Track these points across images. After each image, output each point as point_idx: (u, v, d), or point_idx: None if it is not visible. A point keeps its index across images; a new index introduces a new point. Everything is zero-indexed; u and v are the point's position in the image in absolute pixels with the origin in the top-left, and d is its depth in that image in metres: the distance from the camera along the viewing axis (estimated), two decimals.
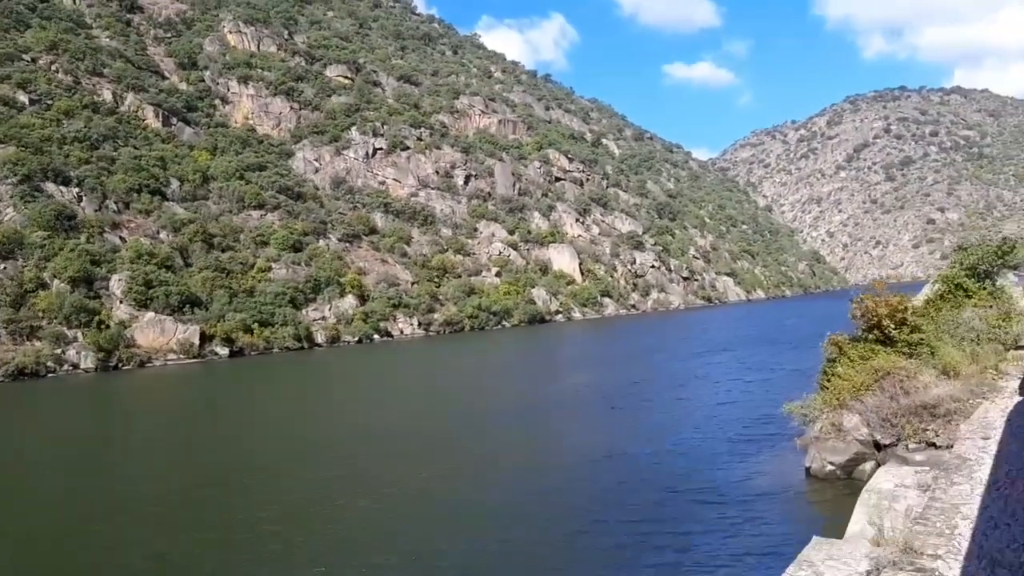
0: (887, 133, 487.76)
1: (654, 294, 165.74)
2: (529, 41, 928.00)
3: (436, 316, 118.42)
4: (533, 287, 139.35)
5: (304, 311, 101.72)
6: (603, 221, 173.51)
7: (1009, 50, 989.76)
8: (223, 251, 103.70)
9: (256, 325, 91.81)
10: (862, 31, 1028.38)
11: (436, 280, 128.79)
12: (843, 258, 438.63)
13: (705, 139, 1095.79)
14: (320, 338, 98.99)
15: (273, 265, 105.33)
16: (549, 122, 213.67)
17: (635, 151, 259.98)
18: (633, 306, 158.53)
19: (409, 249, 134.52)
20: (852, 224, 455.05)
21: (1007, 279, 33.74)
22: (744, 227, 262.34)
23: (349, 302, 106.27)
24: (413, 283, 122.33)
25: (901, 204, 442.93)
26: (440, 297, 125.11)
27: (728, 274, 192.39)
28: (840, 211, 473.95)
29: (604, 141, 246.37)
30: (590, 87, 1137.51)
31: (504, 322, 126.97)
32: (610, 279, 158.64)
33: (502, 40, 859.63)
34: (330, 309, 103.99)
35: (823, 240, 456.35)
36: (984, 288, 30.31)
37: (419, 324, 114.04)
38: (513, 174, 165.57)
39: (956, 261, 35.95)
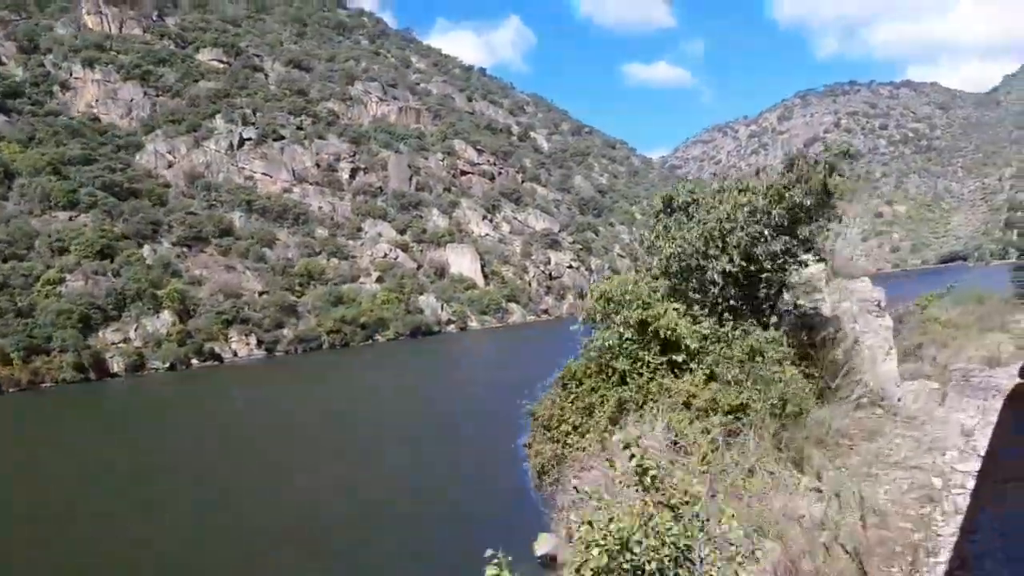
0: (837, 127, 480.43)
1: (571, 297, 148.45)
2: (487, 43, 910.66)
3: (285, 332, 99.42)
4: (421, 294, 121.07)
5: (101, 333, 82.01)
6: (515, 218, 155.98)
7: (962, 46, 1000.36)
8: (4, 260, 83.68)
9: (18, 353, 72.00)
10: (816, 30, 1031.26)
11: (298, 289, 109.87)
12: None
13: (666, 139, 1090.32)
14: (117, 366, 79.45)
15: (67, 276, 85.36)
16: (472, 113, 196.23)
17: (569, 145, 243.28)
18: (546, 311, 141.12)
19: (271, 253, 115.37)
20: None
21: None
22: None
23: (165, 320, 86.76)
24: (262, 293, 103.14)
25: (850, 198, 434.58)
26: (300, 309, 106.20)
27: None
28: None
29: (532, 135, 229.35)
30: (549, 89, 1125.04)
31: (378, 335, 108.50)
32: (519, 282, 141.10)
33: (459, 43, 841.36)
34: (136, 329, 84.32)
35: None
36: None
37: (260, 343, 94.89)
38: (410, 167, 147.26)
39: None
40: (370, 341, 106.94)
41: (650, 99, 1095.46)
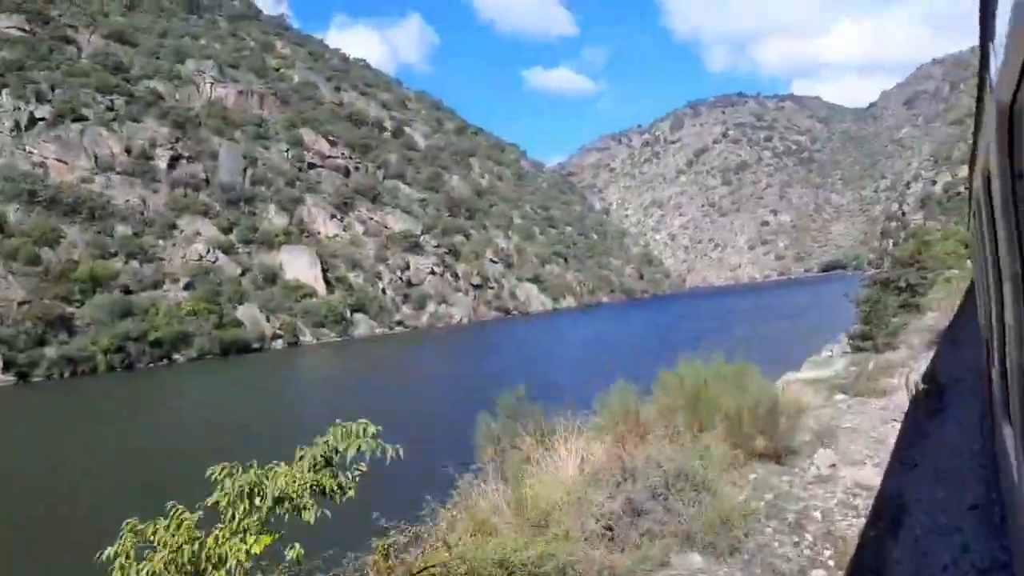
0: (725, 138, 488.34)
1: (431, 306, 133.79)
2: (389, 42, 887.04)
3: (48, 353, 79.80)
4: (241, 303, 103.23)
5: None
6: (371, 218, 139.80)
7: (841, 63, 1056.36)
8: None
9: None
10: (708, 44, 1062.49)
11: (78, 298, 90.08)
12: (684, 260, 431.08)
13: (566, 146, 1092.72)
14: None
15: None
16: (339, 104, 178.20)
17: (450, 144, 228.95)
18: (400, 323, 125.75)
19: (52, 255, 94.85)
20: (692, 227, 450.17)
21: None
22: (568, 228, 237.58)
23: None
24: (23, 303, 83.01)
25: (737, 207, 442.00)
26: (78, 322, 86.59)
27: (532, 280, 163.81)
28: (681, 214, 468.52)
29: (408, 130, 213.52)
30: (451, 93, 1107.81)
31: (177, 355, 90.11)
32: (370, 289, 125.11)
33: (361, 42, 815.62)
34: None
35: (666, 243, 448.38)
36: None
37: (7, 367, 75.07)
38: (246, 157, 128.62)
39: None
40: (165, 361, 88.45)
41: (550, 105, 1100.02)
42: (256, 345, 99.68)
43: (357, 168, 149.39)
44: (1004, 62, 2.21)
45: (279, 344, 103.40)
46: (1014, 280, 2.72)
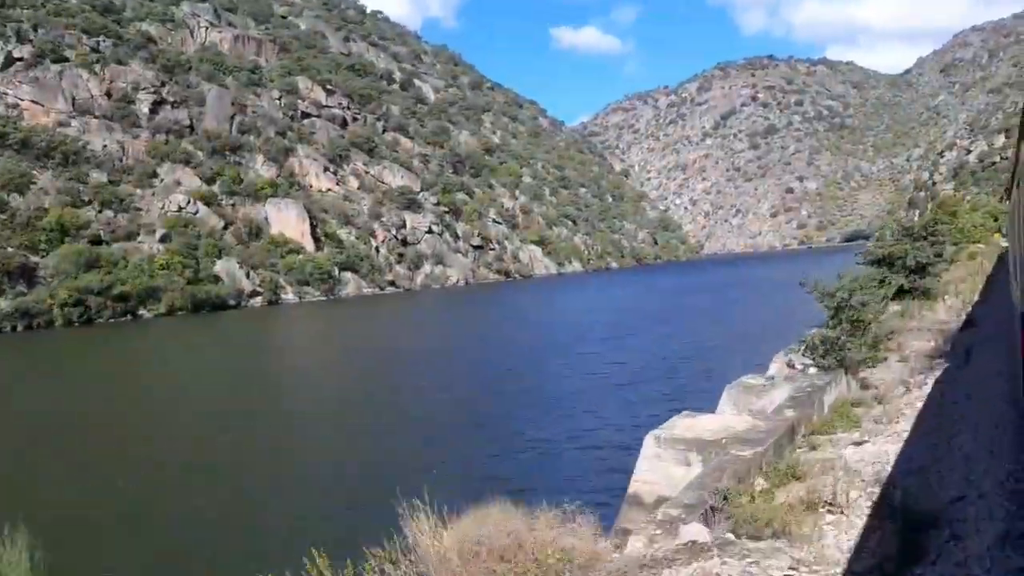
0: (754, 101, 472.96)
1: (427, 267, 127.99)
2: None
3: (1, 305, 75.30)
4: (220, 258, 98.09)
5: None
6: (367, 172, 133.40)
7: (878, 29, 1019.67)
8: None
9: None
10: (740, 5, 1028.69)
11: (44, 248, 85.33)
12: (704, 227, 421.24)
13: (591, 107, 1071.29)
14: None
15: None
16: (347, 55, 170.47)
17: (463, 99, 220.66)
18: (392, 283, 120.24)
19: (21, 201, 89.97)
20: (715, 192, 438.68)
21: None
22: (582, 190, 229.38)
23: None
24: None
25: (763, 172, 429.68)
26: (41, 273, 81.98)
27: (537, 242, 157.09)
28: (704, 179, 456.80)
29: (417, 83, 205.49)
30: (479, 51, 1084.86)
31: (144, 310, 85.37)
32: (362, 247, 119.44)
33: None
34: None
35: (686, 208, 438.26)
36: None
37: None
38: (235, 104, 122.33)
39: None
40: (129, 317, 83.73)
41: (579, 65, 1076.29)
42: (233, 302, 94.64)
43: (356, 119, 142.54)
44: None
45: (258, 302, 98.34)
46: None
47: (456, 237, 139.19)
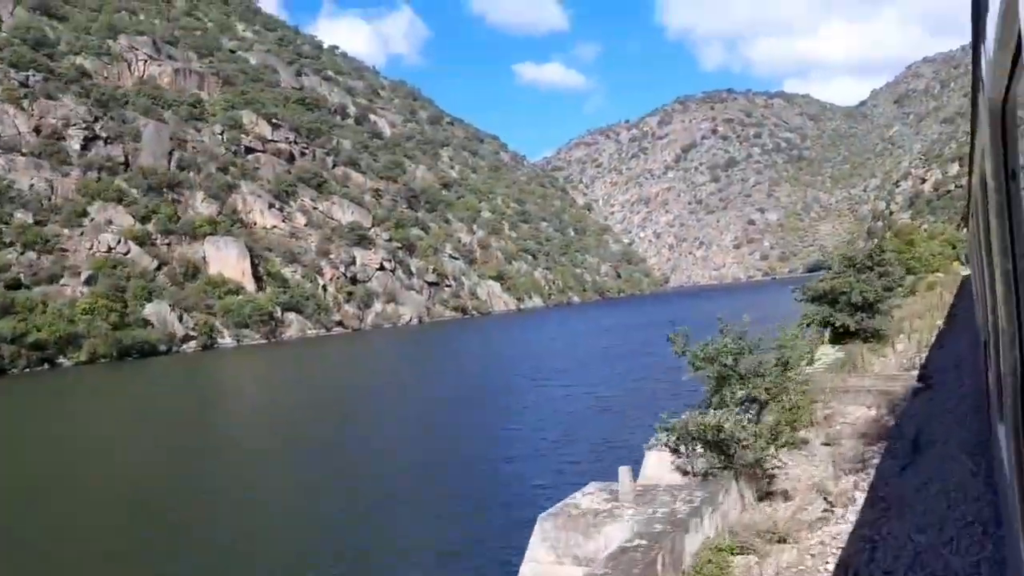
0: (714, 134, 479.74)
1: (378, 305, 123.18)
2: (378, 33, 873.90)
3: None
4: (150, 300, 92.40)
5: None
6: (315, 208, 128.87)
7: (832, 63, 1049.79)
8: None
9: None
10: (699, 41, 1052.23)
11: None
12: (669, 259, 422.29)
13: (555, 142, 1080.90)
14: None
15: None
16: (299, 88, 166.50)
17: (420, 133, 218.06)
18: (340, 323, 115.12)
19: None
20: (678, 225, 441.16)
21: None
22: (543, 224, 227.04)
23: None
24: None
25: (724, 205, 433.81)
26: None
27: (495, 278, 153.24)
28: (667, 211, 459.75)
29: (373, 118, 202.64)
30: (441, 86, 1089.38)
31: (63, 358, 79.32)
32: (308, 286, 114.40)
33: (349, 31, 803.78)
34: None
35: (651, 241, 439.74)
36: None
37: None
38: (174, 139, 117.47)
39: None
40: (46, 366, 77.61)
41: (541, 100, 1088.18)
42: (163, 348, 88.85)
43: (304, 154, 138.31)
44: (994, 61, 2.27)
45: (191, 347, 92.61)
46: (1005, 278, 2.78)
47: (410, 274, 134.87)
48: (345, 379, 51.67)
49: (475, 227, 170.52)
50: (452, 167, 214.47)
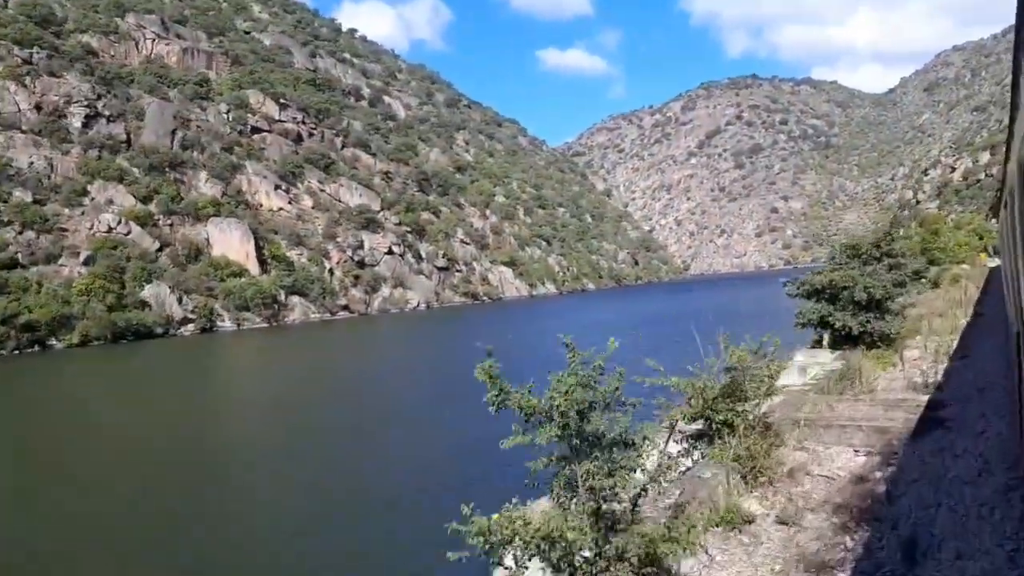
0: (739, 120, 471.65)
1: (385, 290, 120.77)
2: (402, 17, 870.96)
3: None
4: (149, 281, 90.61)
5: None
6: (322, 190, 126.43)
7: (860, 51, 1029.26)
8: None
9: None
10: (726, 27, 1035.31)
11: None
12: (690, 247, 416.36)
13: (578, 128, 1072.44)
14: None
15: None
16: (313, 71, 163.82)
17: (435, 116, 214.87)
18: (346, 307, 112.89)
19: None
20: (700, 212, 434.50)
21: None
22: (560, 209, 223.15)
23: None
24: None
25: (748, 192, 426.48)
26: None
27: (508, 263, 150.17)
28: (689, 198, 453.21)
29: (387, 99, 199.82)
30: (464, 72, 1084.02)
31: (55, 340, 77.70)
32: (314, 269, 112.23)
33: (373, 16, 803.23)
34: None
35: (671, 228, 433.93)
36: None
37: None
38: (178, 118, 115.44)
39: None
40: (37, 348, 76.00)
41: (565, 86, 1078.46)
42: (160, 331, 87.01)
43: (312, 134, 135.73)
44: None
45: (190, 329, 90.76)
46: None
47: (419, 258, 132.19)
48: (335, 364, 49.13)
49: (488, 212, 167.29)
50: (467, 150, 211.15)
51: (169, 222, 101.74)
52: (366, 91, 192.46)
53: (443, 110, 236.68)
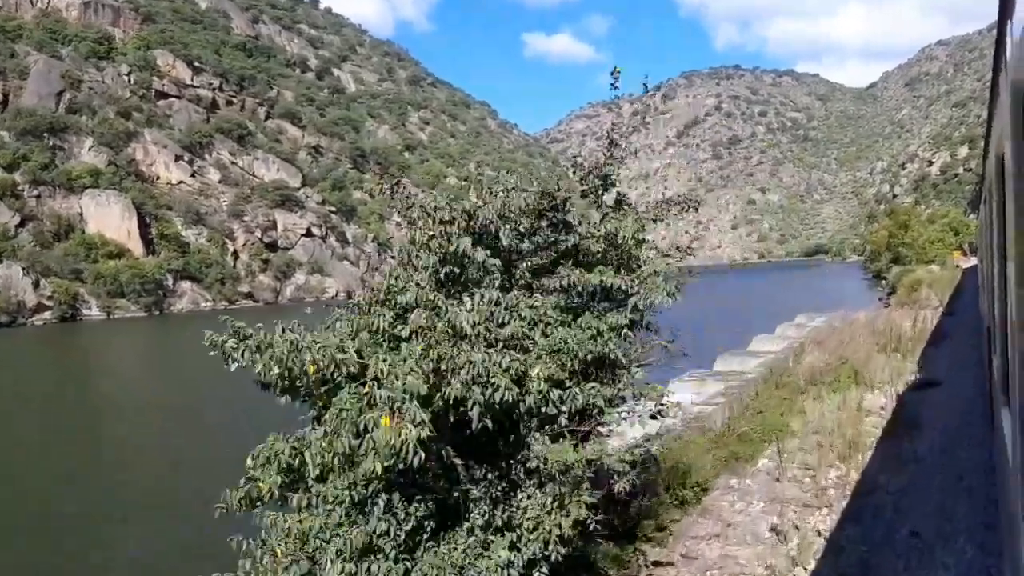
0: (718, 110, 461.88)
1: (300, 276, 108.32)
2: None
3: None
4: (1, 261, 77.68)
5: None
6: (233, 163, 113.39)
7: (847, 46, 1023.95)
8: None
9: None
10: (713, 19, 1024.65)
11: None
12: (664, 237, 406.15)
13: (561, 115, 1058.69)
14: None
15: None
16: (255, 37, 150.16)
17: (391, 93, 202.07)
18: (249, 295, 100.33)
19: None
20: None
21: None
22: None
23: None
24: None
25: (725, 183, 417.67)
26: None
27: None
28: (666, 188, 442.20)
29: (337, 72, 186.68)
30: (450, 56, 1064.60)
31: None
32: (214, 252, 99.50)
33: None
34: None
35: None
36: None
37: None
38: (67, 77, 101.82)
39: None
40: None
41: (550, 72, 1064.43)
42: (5, 319, 74.19)
43: (232, 103, 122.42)
44: (1021, 42, 2.19)
45: (44, 318, 77.98)
46: (1020, 261, 2.73)
47: (345, 242, 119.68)
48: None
49: (435, 193, 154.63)
50: (423, 129, 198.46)
51: (35, 193, 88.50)
52: (313, 62, 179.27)
53: (404, 87, 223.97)
